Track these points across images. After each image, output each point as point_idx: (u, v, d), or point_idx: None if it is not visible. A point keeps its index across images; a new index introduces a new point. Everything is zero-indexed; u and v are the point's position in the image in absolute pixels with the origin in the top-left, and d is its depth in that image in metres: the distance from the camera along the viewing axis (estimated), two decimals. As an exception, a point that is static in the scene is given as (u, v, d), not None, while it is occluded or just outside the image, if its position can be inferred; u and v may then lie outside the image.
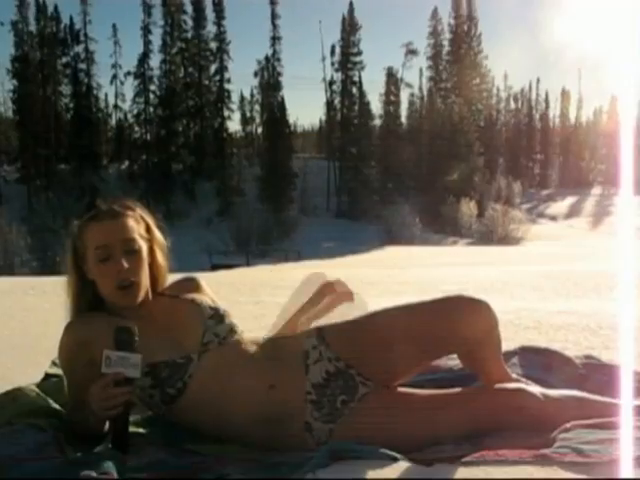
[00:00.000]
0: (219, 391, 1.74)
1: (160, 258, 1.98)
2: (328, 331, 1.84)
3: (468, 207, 51.81)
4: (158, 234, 1.99)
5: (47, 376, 2.37)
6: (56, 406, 2.02)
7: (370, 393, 1.75)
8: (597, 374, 2.33)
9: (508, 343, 4.01)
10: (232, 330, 1.85)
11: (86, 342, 1.80)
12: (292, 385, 1.74)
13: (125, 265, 1.81)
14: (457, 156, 57.75)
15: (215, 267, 29.67)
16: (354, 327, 1.83)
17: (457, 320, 1.72)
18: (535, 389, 1.76)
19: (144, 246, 1.89)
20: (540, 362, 2.51)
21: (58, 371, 2.33)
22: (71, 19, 59.29)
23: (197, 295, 1.99)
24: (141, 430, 1.90)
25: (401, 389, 1.81)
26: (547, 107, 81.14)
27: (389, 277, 9.06)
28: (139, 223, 1.92)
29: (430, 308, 1.78)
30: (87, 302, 1.92)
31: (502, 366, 1.92)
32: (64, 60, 59.21)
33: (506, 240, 44.05)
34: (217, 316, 1.88)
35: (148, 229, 1.95)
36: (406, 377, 1.86)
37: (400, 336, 1.76)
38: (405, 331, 1.76)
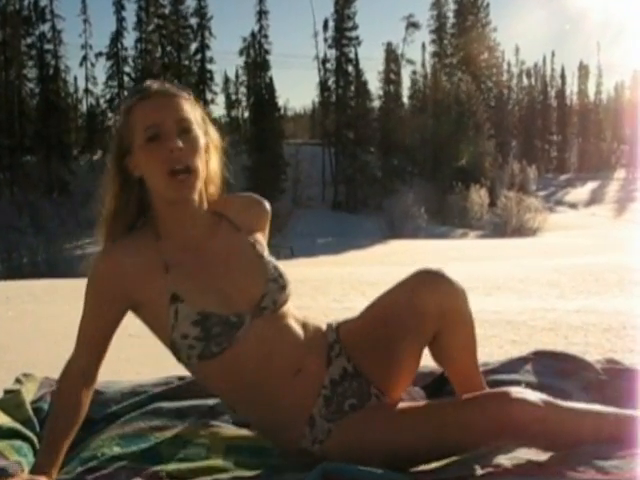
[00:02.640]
0: (256, 364, 1.76)
1: (215, 161, 1.88)
2: (342, 328, 1.90)
3: (478, 195, 51.85)
4: (214, 131, 1.89)
5: (6, 393, 2.35)
6: (16, 425, 2.01)
7: (378, 406, 1.80)
8: (619, 380, 2.32)
9: (522, 347, 4.02)
10: (286, 301, 1.84)
11: (124, 274, 1.74)
12: (314, 375, 1.80)
13: (179, 143, 1.71)
14: (465, 139, 57.75)
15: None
16: (358, 325, 1.89)
17: (415, 293, 1.79)
18: (535, 396, 1.73)
19: (201, 136, 1.80)
20: (556, 368, 2.51)
21: (17, 387, 2.32)
22: (36, -5, 59.06)
23: (260, 238, 1.92)
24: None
25: (404, 404, 1.82)
26: (563, 83, 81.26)
27: (391, 276, 9.01)
28: (195, 109, 1.82)
29: (399, 287, 1.85)
30: (129, 212, 1.82)
31: (473, 364, 1.94)
32: (29, 40, 58.99)
33: (521, 231, 44.09)
34: (281, 281, 1.83)
35: (204, 120, 1.86)
36: (409, 372, 1.91)
37: (382, 320, 1.84)
38: (384, 314, 1.84)
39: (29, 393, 2.36)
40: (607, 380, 2.33)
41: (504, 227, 45.84)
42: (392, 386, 1.86)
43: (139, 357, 3.76)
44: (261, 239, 1.92)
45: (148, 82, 1.80)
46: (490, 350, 3.87)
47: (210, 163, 1.84)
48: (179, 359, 1.79)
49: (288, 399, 1.77)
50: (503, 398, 1.66)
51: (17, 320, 5.60)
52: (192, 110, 1.79)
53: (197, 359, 1.73)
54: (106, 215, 1.81)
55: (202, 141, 1.78)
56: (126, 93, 57.94)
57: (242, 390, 1.79)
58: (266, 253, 1.88)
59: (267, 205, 1.98)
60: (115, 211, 1.80)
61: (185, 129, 1.73)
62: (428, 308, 1.78)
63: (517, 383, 2.32)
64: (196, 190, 1.75)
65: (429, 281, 1.81)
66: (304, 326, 1.87)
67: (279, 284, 1.81)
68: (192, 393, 2.34)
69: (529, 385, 2.31)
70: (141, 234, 1.79)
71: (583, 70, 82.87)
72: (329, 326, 1.91)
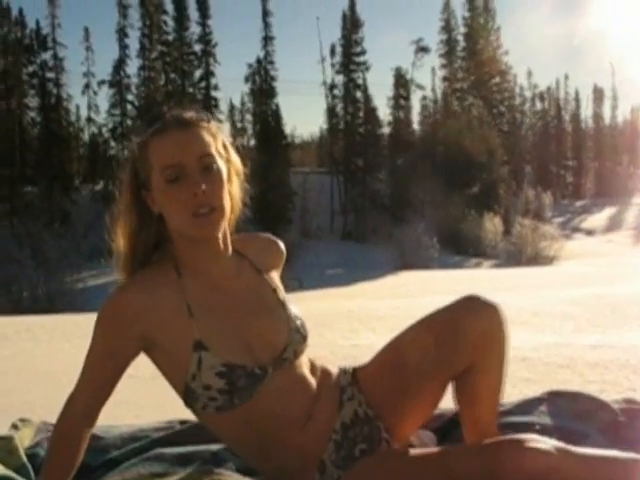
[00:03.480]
0: (270, 414, 1.75)
1: (236, 188, 1.81)
2: (361, 371, 1.89)
3: (492, 223, 51.79)
4: (235, 156, 1.84)
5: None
6: (8, 472, 2.00)
7: (388, 453, 1.79)
8: (638, 421, 2.31)
9: (537, 386, 3.98)
10: (304, 351, 1.84)
11: (144, 312, 1.69)
12: (325, 420, 1.79)
13: (203, 186, 1.63)
14: (478, 165, 57.82)
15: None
16: (382, 369, 1.86)
17: (461, 315, 1.77)
18: (549, 445, 1.71)
19: (223, 167, 1.73)
20: (572, 409, 2.49)
21: (10, 433, 2.32)
22: (37, 23, 59.85)
23: (279, 282, 1.90)
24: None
25: (415, 451, 1.81)
26: (578, 107, 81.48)
27: (401, 309, 9.02)
28: (216, 137, 1.75)
29: (440, 313, 1.82)
30: (146, 247, 1.77)
31: (494, 408, 1.91)
32: (30, 69, 59.65)
33: (537, 260, 43.98)
34: (303, 331, 1.83)
35: (225, 147, 1.80)
36: (425, 414, 1.91)
37: (402, 358, 1.82)
38: (405, 351, 1.82)
39: (25, 439, 2.36)
40: (625, 421, 2.32)
41: (519, 256, 45.72)
42: (405, 428, 1.86)
43: (138, 399, 3.75)
44: (279, 283, 1.90)
45: (164, 110, 1.74)
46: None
47: (232, 191, 1.79)
48: (191, 407, 1.76)
49: (300, 446, 1.77)
50: (516, 447, 1.64)
51: (14, 359, 5.59)
52: (213, 139, 1.73)
53: (214, 410, 1.71)
54: (125, 251, 1.78)
55: (224, 173, 1.73)
56: (129, 122, 58.44)
57: (253, 439, 1.78)
58: (287, 298, 1.87)
59: (283, 246, 1.97)
60: (134, 246, 1.77)
61: (207, 166, 1.68)
62: (472, 334, 1.76)
63: (532, 425, 2.31)
64: (221, 228, 1.71)
65: (476, 307, 1.79)
66: (314, 370, 1.87)
67: (301, 334, 1.81)
68: (195, 438, 2.33)
69: (544, 427, 2.29)
70: (160, 270, 1.75)
71: (598, 93, 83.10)
72: (342, 370, 1.91)
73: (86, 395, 1.73)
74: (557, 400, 2.58)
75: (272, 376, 1.72)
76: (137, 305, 1.68)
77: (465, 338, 1.75)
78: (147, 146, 1.68)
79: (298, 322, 1.82)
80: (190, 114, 1.72)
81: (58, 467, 1.71)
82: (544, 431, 2.29)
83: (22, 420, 2.51)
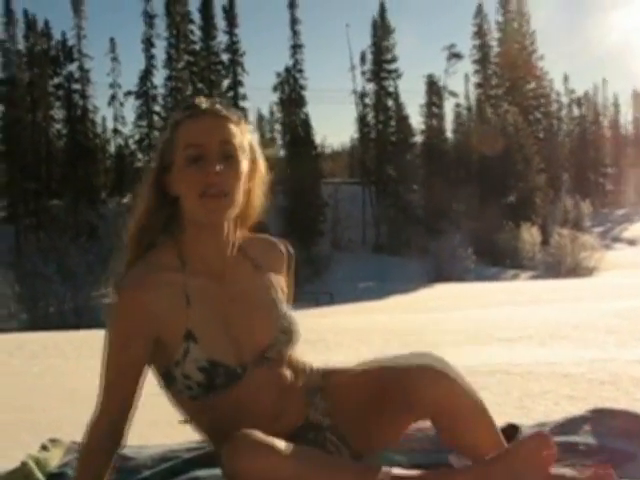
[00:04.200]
0: (240, 408, 1.79)
1: (257, 191, 1.89)
2: (331, 379, 1.94)
3: (529, 234, 51.48)
4: (262, 161, 1.91)
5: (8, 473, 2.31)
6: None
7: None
8: (689, 441, 2.27)
9: (580, 404, 3.94)
10: (289, 352, 1.89)
11: (149, 307, 1.74)
12: (291, 421, 1.86)
13: (218, 167, 1.72)
14: (514, 174, 57.51)
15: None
16: (348, 384, 1.91)
17: (412, 389, 1.79)
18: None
19: (245, 162, 1.81)
20: (618, 428, 2.46)
21: (44, 455, 2.33)
22: (63, 35, 60.70)
23: (279, 281, 1.94)
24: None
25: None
26: (617, 112, 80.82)
27: (436, 324, 8.99)
28: (243, 135, 1.84)
29: (399, 371, 1.84)
30: (157, 229, 1.84)
31: (493, 441, 1.87)
32: (56, 81, 60.47)
33: (576, 271, 43.61)
34: (289, 332, 1.86)
35: (252, 148, 1.88)
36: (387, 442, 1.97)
37: (373, 390, 1.86)
38: (377, 387, 1.85)
39: (54, 459, 2.37)
40: (674, 442, 2.28)
41: (558, 267, 45.39)
42: (363, 445, 1.89)
43: (169, 419, 3.74)
44: (280, 283, 1.94)
45: (201, 99, 1.84)
46: (545, 408, 3.81)
47: (252, 194, 1.87)
48: (167, 388, 1.83)
49: None
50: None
51: (42, 377, 5.65)
52: (240, 135, 1.82)
53: (188, 398, 1.78)
54: (134, 229, 1.85)
55: (245, 169, 1.80)
56: (156, 133, 58.97)
57: (220, 428, 1.81)
58: (280, 298, 1.91)
59: (285, 248, 2.00)
60: (144, 226, 1.84)
61: (228, 154, 1.75)
62: (427, 405, 1.79)
63: (576, 445, 2.29)
64: (227, 215, 1.77)
65: (429, 380, 1.79)
66: (292, 368, 1.91)
67: (288, 337, 1.85)
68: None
69: (589, 447, 2.27)
70: (164, 256, 1.81)
71: (637, 97, 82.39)
72: (314, 370, 1.95)
73: (110, 410, 1.76)
74: (602, 418, 2.55)
75: (251, 373, 1.78)
76: (146, 303, 1.74)
77: (421, 408, 1.81)
78: (178, 126, 1.79)
79: (287, 323, 1.85)
80: (224, 108, 1.82)
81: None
82: (589, 451, 2.27)
83: (52, 440, 2.52)
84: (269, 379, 1.82)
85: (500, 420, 2.93)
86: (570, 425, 2.55)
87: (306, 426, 1.87)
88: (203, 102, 1.83)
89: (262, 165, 1.90)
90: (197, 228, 1.79)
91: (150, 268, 1.79)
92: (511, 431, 2.28)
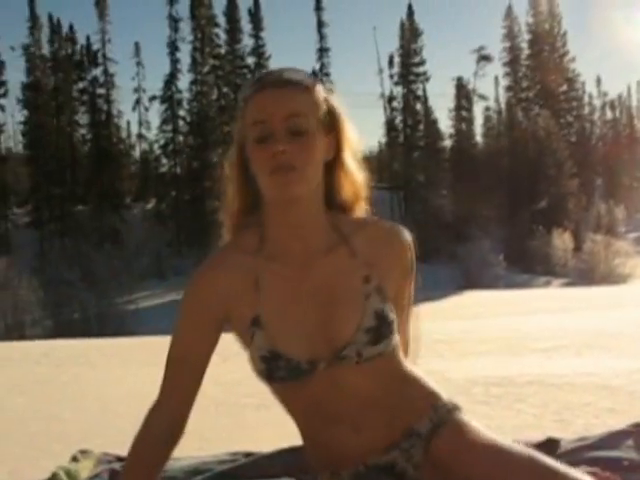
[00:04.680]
0: (317, 409, 1.69)
1: (351, 164, 1.74)
2: (446, 433, 1.68)
3: (561, 240, 51.13)
4: (349, 128, 1.75)
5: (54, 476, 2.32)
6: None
7: None
8: None
9: (621, 417, 3.88)
10: (383, 354, 1.68)
11: (218, 289, 1.70)
12: (367, 446, 1.69)
13: (283, 146, 1.61)
14: (545, 179, 57.19)
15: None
16: (466, 450, 1.64)
17: None
18: None
19: (319, 134, 1.67)
20: (663, 443, 2.40)
21: (74, 466, 2.33)
22: (88, 39, 61.38)
23: (381, 277, 1.71)
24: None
25: None
26: (652, 115, 79.93)
27: (468, 332, 8.93)
28: (318, 103, 1.68)
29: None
30: (247, 209, 1.76)
31: None
32: (80, 85, 61.14)
33: (610, 278, 43.25)
34: (375, 333, 1.65)
35: (333, 117, 1.71)
36: None
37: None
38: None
39: (84, 470, 2.36)
40: None
41: (591, 274, 45.03)
42: None
43: (201, 430, 3.75)
44: (385, 278, 1.71)
45: (272, 70, 1.74)
46: (585, 421, 3.76)
47: (345, 166, 1.74)
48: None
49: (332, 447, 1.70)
50: None
51: (70, 386, 5.68)
52: (313, 103, 1.68)
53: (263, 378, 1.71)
54: (227, 212, 1.79)
55: (318, 139, 1.67)
56: (181, 139, 59.33)
57: (297, 421, 1.75)
58: (376, 294, 1.68)
59: (404, 238, 1.76)
60: (239, 207, 1.77)
61: (296, 129, 1.63)
62: None
63: (619, 461, 2.24)
64: (298, 190, 1.64)
65: None
66: (401, 391, 1.71)
67: (371, 336, 1.65)
68: (261, 471, 2.30)
69: (632, 463, 2.22)
70: (247, 236, 1.75)
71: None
72: (434, 409, 1.72)
73: (171, 399, 1.71)
74: (645, 433, 2.49)
75: (325, 371, 1.65)
76: (214, 284, 1.70)
77: None
78: (246, 103, 1.70)
79: (373, 322, 1.65)
80: (292, 75, 1.69)
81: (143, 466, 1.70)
82: (633, 467, 2.22)
83: (82, 452, 2.51)
84: (343, 382, 1.67)
85: (538, 433, 2.89)
86: (612, 439, 2.49)
87: (384, 468, 1.68)
88: (271, 72, 1.72)
89: (350, 131, 1.75)
90: (274, 208, 1.70)
91: (228, 249, 1.76)
92: (551, 445, 2.24)
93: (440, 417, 1.71)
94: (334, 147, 1.71)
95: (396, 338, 1.70)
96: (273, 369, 1.65)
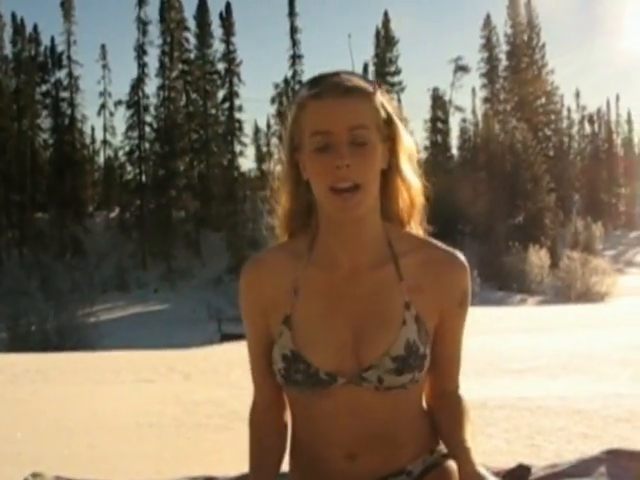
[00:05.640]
0: (318, 425, 1.68)
1: (409, 172, 1.72)
2: (432, 473, 1.69)
3: (538, 256, 51.49)
4: (405, 134, 1.74)
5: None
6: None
7: None
8: None
9: (594, 442, 3.92)
10: (406, 386, 1.63)
11: (261, 290, 1.72)
12: (370, 469, 1.67)
13: (347, 160, 1.58)
14: (522, 194, 57.66)
15: (225, 337, 29.62)
16: None
17: None
18: None
19: (379, 144, 1.65)
20: (636, 470, 2.42)
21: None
22: (52, 40, 61.21)
23: (425, 306, 1.66)
24: None
25: None
26: (630, 130, 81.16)
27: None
28: (378, 111, 1.67)
29: None
30: (301, 212, 1.76)
31: None
32: (43, 88, 60.87)
33: (587, 296, 43.63)
34: (401, 363, 1.61)
35: (390, 123, 1.70)
36: None
37: None
38: None
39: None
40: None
41: (568, 292, 45.39)
42: None
43: (160, 452, 3.72)
44: (425, 309, 1.66)
45: (326, 74, 1.70)
46: (558, 446, 3.78)
47: (401, 175, 1.72)
48: None
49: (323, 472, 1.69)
50: None
51: (26, 404, 5.61)
52: (374, 112, 1.66)
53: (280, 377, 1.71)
54: (282, 214, 1.79)
55: (379, 150, 1.65)
56: (147, 145, 59.04)
57: (297, 433, 1.74)
58: (414, 323, 1.64)
59: (462, 266, 1.70)
60: (290, 209, 1.76)
61: (360, 140, 1.61)
62: None
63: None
64: (362, 210, 1.62)
65: None
66: (410, 428, 1.70)
67: (397, 365, 1.61)
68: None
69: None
70: (297, 241, 1.76)
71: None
72: (430, 453, 1.73)
73: (262, 398, 1.75)
74: (618, 460, 2.50)
75: (342, 387, 1.63)
76: (257, 281, 1.72)
77: None
78: (302, 109, 1.68)
79: (404, 351, 1.61)
80: (353, 81, 1.66)
81: (262, 462, 1.71)
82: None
83: (35, 475, 2.48)
84: (357, 404, 1.65)
85: (509, 459, 2.89)
86: (584, 467, 2.49)
87: None
88: (329, 77, 1.68)
89: (406, 138, 1.73)
90: (330, 221, 1.67)
91: (276, 249, 1.77)
92: (522, 472, 2.25)
93: (433, 460, 1.72)
94: (390, 154, 1.69)
95: (423, 374, 1.65)
96: (291, 370, 1.65)
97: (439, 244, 1.73)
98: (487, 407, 5.15)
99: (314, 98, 1.64)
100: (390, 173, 1.70)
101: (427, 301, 1.67)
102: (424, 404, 1.74)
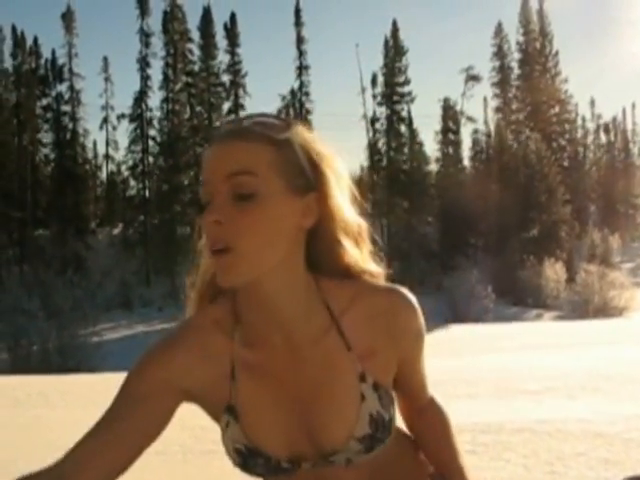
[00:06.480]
0: None
1: (345, 219, 1.48)
2: None
3: (553, 270, 51.36)
4: (331, 178, 1.46)
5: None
6: None
7: None
8: None
9: (616, 468, 3.88)
10: (364, 460, 1.53)
11: (188, 375, 1.49)
12: None
13: (215, 215, 1.39)
14: (536, 206, 57.56)
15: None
16: None
17: None
18: None
19: (285, 196, 1.40)
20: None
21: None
22: (53, 53, 61.50)
23: (380, 368, 1.52)
24: None
25: None
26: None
27: (454, 372, 8.90)
28: (284, 155, 1.41)
29: None
30: (212, 284, 1.53)
31: None
32: (44, 102, 61.13)
33: (605, 311, 43.47)
34: (369, 441, 1.50)
35: (314, 167, 1.45)
36: None
37: None
38: None
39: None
40: None
41: (585, 307, 45.21)
42: None
43: (165, 479, 3.69)
44: (380, 372, 1.53)
45: (229, 119, 1.57)
46: (578, 473, 3.74)
47: (332, 235, 1.48)
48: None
49: None
50: None
51: (28, 430, 5.60)
52: (277, 157, 1.41)
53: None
54: (198, 279, 1.58)
55: (284, 205, 1.40)
56: (151, 160, 59.25)
57: None
58: (373, 393, 1.50)
59: (409, 305, 1.54)
60: (206, 276, 1.56)
61: (239, 190, 1.39)
62: None
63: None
64: (236, 276, 1.40)
65: None
66: (392, 474, 1.62)
67: (365, 445, 1.50)
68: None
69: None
70: (219, 313, 1.53)
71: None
72: None
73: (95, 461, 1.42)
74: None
75: (307, 472, 1.53)
76: (184, 364, 1.49)
77: None
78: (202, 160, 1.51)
79: (369, 429, 1.49)
80: (251, 123, 1.44)
81: None
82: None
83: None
84: (327, 478, 1.54)
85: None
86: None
87: None
88: (223, 125, 1.50)
89: (332, 184, 1.46)
90: (242, 291, 1.49)
91: (197, 326, 1.54)
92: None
93: None
94: (317, 209, 1.45)
95: (394, 432, 1.54)
96: (250, 464, 1.53)
97: (376, 284, 1.55)
98: (504, 430, 5.11)
99: (208, 146, 1.47)
100: (323, 226, 1.46)
101: (382, 362, 1.53)
102: (400, 437, 1.64)
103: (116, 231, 61.02)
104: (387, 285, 1.56)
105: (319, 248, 1.49)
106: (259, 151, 1.39)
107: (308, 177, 1.44)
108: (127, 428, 1.42)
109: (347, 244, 1.50)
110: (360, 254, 1.54)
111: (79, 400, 7.59)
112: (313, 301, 1.50)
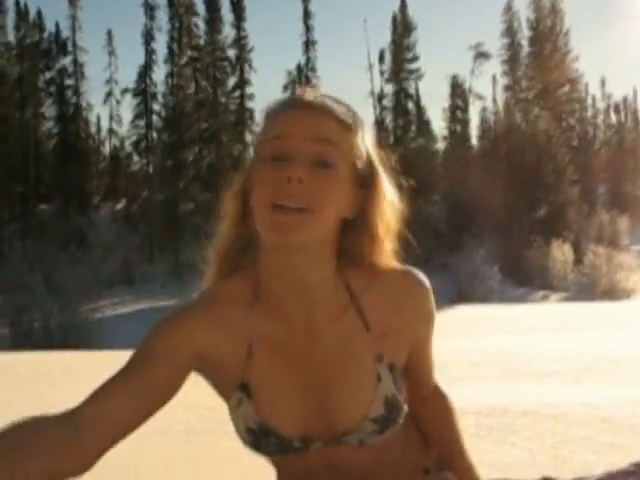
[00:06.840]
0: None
1: (377, 228, 1.52)
2: None
3: (561, 251, 51.34)
4: (385, 181, 1.54)
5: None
6: None
7: None
8: None
9: (621, 453, 3.89)
10: (375, 442, 1.56)
11: (203, 345, 1.48)
12: None
13: (300, 172, 1.38)
14: (544, 186, 57.44)
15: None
16: None
17: None
18: None
19: (347, 180, 1.45)
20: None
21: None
22: (57, 26, 61.29)
23: (396, 349, 1.56)
24: None
25: None
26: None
27: (459, 354, 8.92)
28: (356, 147, 1.48)
29: None
30: (241, 247, 1.55)
31: None
32: (47, 75, 60.95)
33: (612, 293, 43.50)
34: (383, 422, 1.53)
35: (370, 167, 1.51)
36: None
37: None
38: None
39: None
40: None
41: (592, 288, 45.25)
42: None
43: (167, 458, 3.70)
44: (396, 352, 1.56)
45: (306, 89, 1.53)
46: (582, 457, 3.76)
47: (369, 230, 1.51)
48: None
49: None
50: None
51: (32, 408, 5.59)
52: (349, 143, 1.46)
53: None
54: (219, 248, 1.58)
55: (346, 189, 1.45)
56: (154, 135, 59.15)
57: None
58: (389, 375, 1.53)
59: (423, 285, 1.59)
60: (229, 245, 1.57)
61: (322, 156, 1.41)
62: None
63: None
64: (305, 236, 1.41)
65: None
66: (400, 461, 1.65)
67: (379, 426, 1.53)
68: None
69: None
70: (239, 286, 1.54)
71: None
72: (425, 471, 1.70)
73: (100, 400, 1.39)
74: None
75: (319, 450, 1.55)
76: (199, 331, 1.48)
77: None
78: (269, 120, 1.51)
79: (383, 411, 1.52)
80: (334, 102, 1.49)
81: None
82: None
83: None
84: (339, 460, 1.58)
85: (533, 471, 2.89)
86: (611, 480, 2.49)
87: None
88: (307, 92, 1.51)
89: (384, 184, 1.53)
90: (269, 254, 1.48)
91: (215, 298, 1.54)
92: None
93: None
94: (360, 205, 1.50)
95: (405, 414, 1.57)
96: (261, 443, 1.54)
97: (394, 268, 1.58)
98: (509, 413, 5.13)
99: (283, 108, 1.48)
100: (355, 226, 1.50)
101: (397, 343, 1.57)
102: (407, 426, 1.64)
103: (119, 207, 60.98)
104: (402, 267, 1.60)
105: (352, 239, 1.52)
106: (344, 133, 1.45)
107: (364, 174, 1.50)
108: (142, 384, 1.41)
109: (383, 244, 1.55)
110: (388, 253, 1.57)
111: (82, 376, 7.62)
112: (337, 279, 1.53)
